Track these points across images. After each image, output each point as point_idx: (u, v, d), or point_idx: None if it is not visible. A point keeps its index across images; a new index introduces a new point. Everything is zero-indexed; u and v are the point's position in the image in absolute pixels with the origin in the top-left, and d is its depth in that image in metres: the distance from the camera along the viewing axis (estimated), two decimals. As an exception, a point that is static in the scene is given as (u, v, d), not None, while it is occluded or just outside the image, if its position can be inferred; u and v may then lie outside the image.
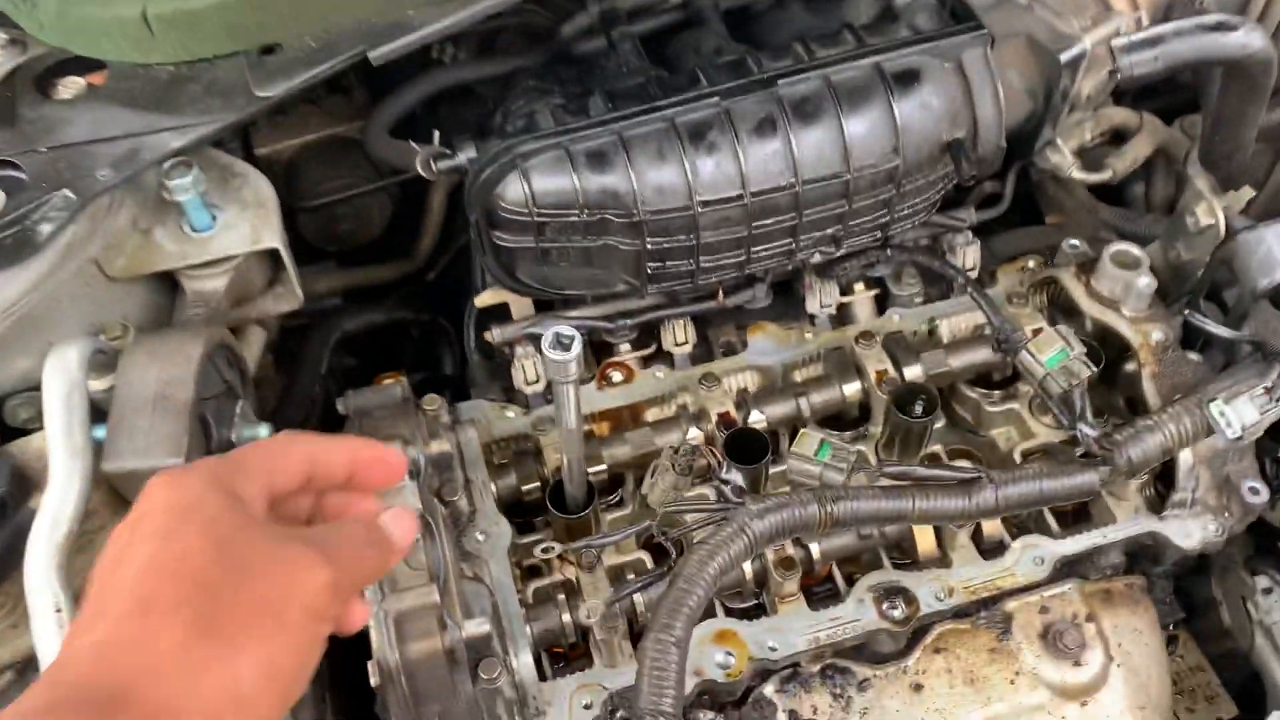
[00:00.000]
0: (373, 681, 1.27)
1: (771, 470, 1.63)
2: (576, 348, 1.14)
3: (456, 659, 1.31)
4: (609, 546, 1.61)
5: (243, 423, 1.42)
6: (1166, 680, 1.59)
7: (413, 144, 1.62)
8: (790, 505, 1.29)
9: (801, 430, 1.38)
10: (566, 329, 1.14)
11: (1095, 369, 1.40)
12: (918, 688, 1.53)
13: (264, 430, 1.44)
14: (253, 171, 1.59)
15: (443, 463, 1.49)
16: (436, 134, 1.60)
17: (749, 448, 1.53)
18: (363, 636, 1.30)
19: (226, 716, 0.76)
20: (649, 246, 1.52)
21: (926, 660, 1.54)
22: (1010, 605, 1.55)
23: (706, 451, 1.32)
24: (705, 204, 1.49)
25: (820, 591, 1.60)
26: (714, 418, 1.61)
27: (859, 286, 1.87)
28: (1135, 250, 1.66)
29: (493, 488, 1.56)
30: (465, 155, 1.53)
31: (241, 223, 1.52)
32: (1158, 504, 1.56)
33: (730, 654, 1.44)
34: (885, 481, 1.37)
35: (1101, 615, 1.58)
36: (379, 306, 2.06)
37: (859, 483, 1.47)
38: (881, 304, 1.90)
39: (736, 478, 1.30)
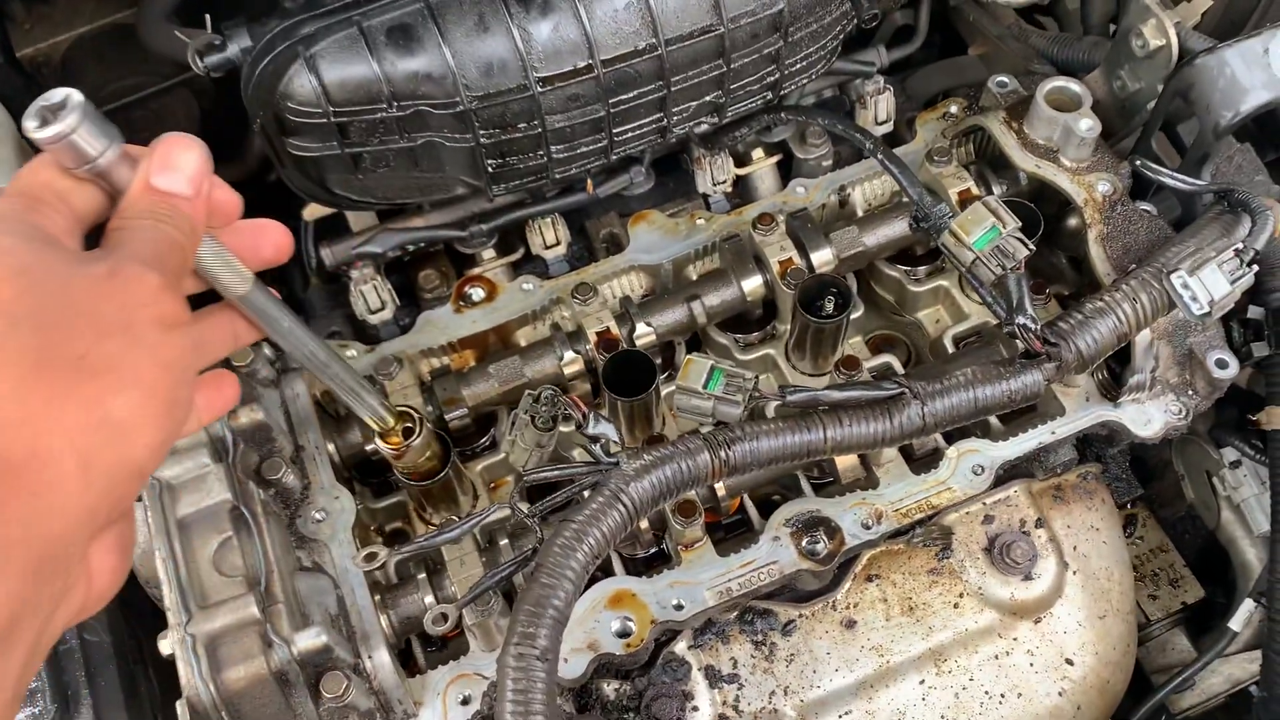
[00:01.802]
0: (183, 725, 1.04)
1: (666, 389, 1.38)
2: (74, 116, 0.74)
3: (289, 680, 1.08)
4: (481, 495, 1.38)
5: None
6: (1129, 579, 1.41)
7: (180, 33, 1.29)
8: (674, 458, 1.05)
9: (687, 357, 1.12)
10: (56, 93, 0.75)
11: (1032, 248, 1.15)
12: (850, 624, 1.33)
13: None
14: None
15: (260, 435, 1.22)
16: (208, 18, 1.26)
17: (635, 372, 1.28)
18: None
19: (105, 450, 0.69)
20: (483, 140, 1.22)
21: (857, 591, 1.34)
22: (949, 518, 1.34)
23: (566, 402, 1.06)
24: (545, 81, 1.19)
25: (730, 526, 1.38)
26: (592, 338, 1.34)
27: (757, 153, 1.60)
28: (1074, 86, 1.39)
29: (331, 450, 1.31)
30: (238, 45, 1.21)
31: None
32: (1111, 387, 1.34)
33: (629, 619, 1.23)
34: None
35: (1052, 517, 1.38)
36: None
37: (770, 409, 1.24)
38: (786, 171, 1.62)
39: (607, 431, 1.05)
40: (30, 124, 0.75)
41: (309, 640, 1.08)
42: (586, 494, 1.06)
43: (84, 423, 0.68)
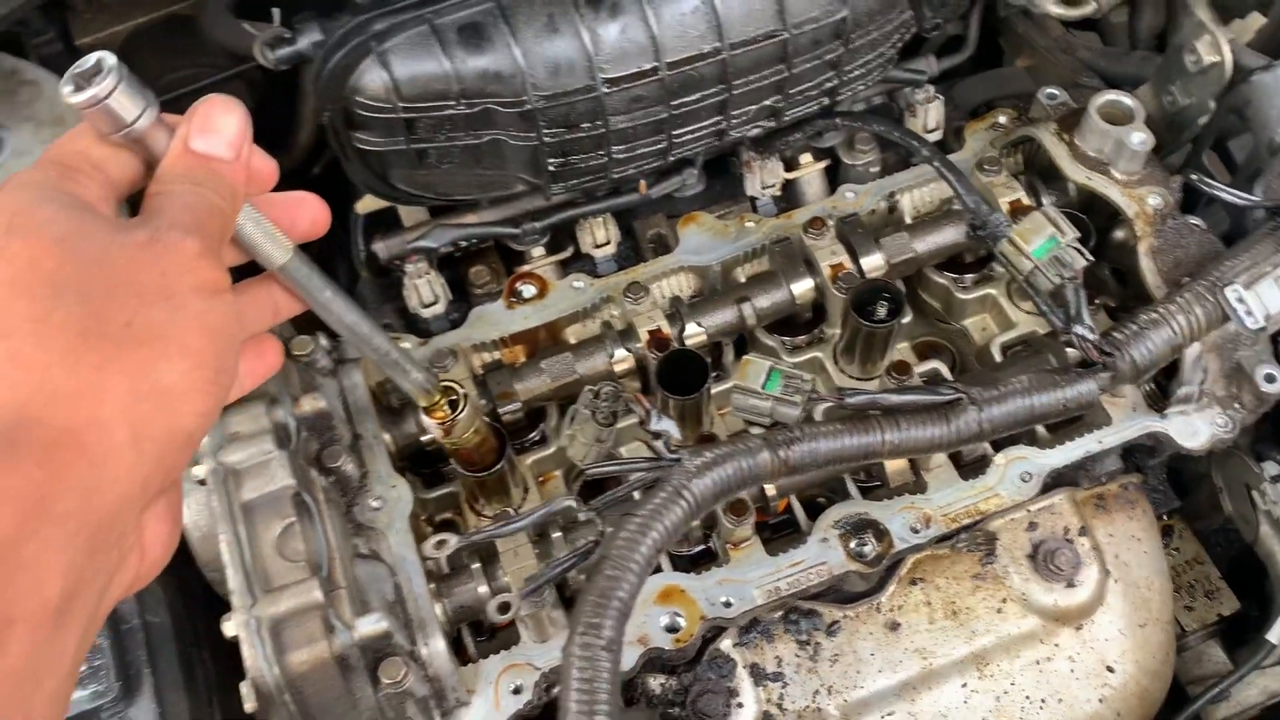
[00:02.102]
0: (248, 706, 1.06)
1: (716, 389, 1.40)
2: (110, 80, 0.73)
3: (350, 665, 1.09)
4: (531, 489, 1.40)
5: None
6: (1168, 589, 1.42)
7: (248, 26, 1.31)
8: (735, 456, 1.07)
9: (745, 357, 1.14)
10: (90, 58, 0.74)
11: (1090, 258, 1.16)
12: (894, 626, 1.35)
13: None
14: (48, 78, 1.28)
15: (321, 423, 1.24)
16: (276, 12, 1.28)
17: (686, 371, 1.29)
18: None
19: (155, 420, 0.68)
20: (546, 139, 1.24)
21: (902, 594, 1.36)
22: (994, 524, 1.35)
23: (632, 399, 1.08)
24: (612, 82, 1.21)
25: (777, 525, 1.40)
26: (644, 337, 1.36)
27: (805, 158, 1.61)
28: (1127, 100, 1.40)
29: (387, 440, 1.32)
30: (308, 39, 1.23)
31: (36, 147, 1.21)
32: (1158, 399, 1.35)
33: (679, 615, 1.24)
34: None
35: (1095, 526, 1.39)
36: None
37: (819, 411, 1.26)
38: (833, 177, 1.64)
39: (669, 428, 1.07)
40: (66, 89, 0.74)
41: (370, 626, 1.10)
42: (638, 490, 1.08)
43: (134, 392, 0.67)
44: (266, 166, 0.87)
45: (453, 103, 1.19)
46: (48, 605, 0.62)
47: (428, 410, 1.15)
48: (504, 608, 1.07)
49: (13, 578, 0.60)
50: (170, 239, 0.73)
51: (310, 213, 0.92)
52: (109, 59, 0.74)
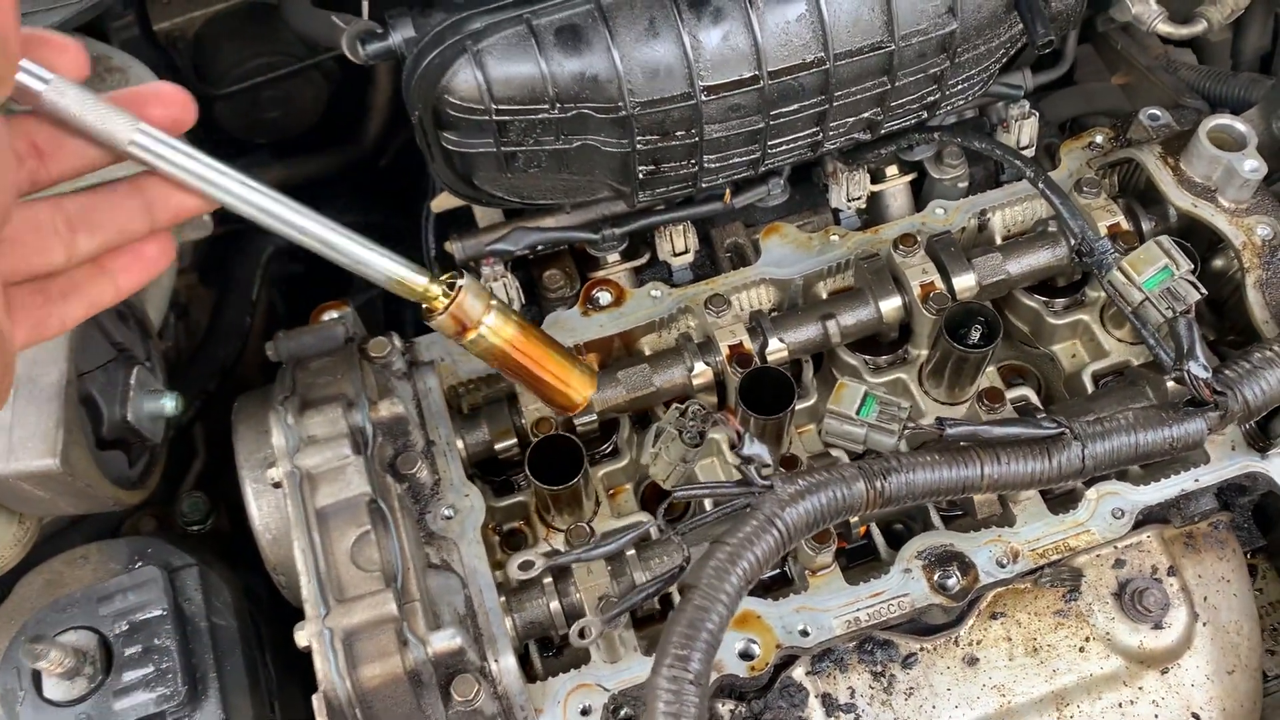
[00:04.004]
0: (320, 718, 1.03)
1: (799, 406, 1.36)
2: None
3: (423, 680, 1.07)
4: (602, 502, 1.37)
5: (141, 393, 1.13)
6: (1257, 634, 1.37)
7: (335, 18, 1.28)
8: (829, 484, 1.03)
9: (840, 381, 1.10)
10: None
11: (1204, 291, 1.11)
12: (972, 661, 1.30)
13: (170, 402, 1.15)
14: (134, 64, 1.25)
15: (397, 428, 1.21)
16: (366, 4, 1.25)
17: (767, 389, 1.25)
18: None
19: None
20: (640, 146, 1.20)
21: (981, 628, 1.31)
22: (1079, 560, 1.31)
23: (724, 420, 1.04)
24: (710, 90, 1.16)
25: (854, 552, 1.36)
26: (724, 351, 1.32)
27: (891, 170, 1.56)
28: (1238, 125, 1.34)
29: (460, 446, 1.29)
30: (401, 35, 1.19)
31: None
32: (1259, 438, 1.30)
33: (754, 642, 1.21)
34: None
35: (1184, 566, 1.34)
36: (317, 209, 1.73)
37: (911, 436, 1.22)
38: (916, 191, 1.59)
39: (761, 453, 1.03)
40: None
41: (445, 642, 1.07)
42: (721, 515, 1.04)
43: None
44: (172, 91, 0.77)
45: (546, 106, 1.16)
46: None
47: (427, 308, 0.96)
48: (584, 633, 1.04)
49: None
50: None
51: (166, 105, 0.76)
52: None
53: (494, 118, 1.16)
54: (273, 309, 1.85)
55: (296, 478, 1.13)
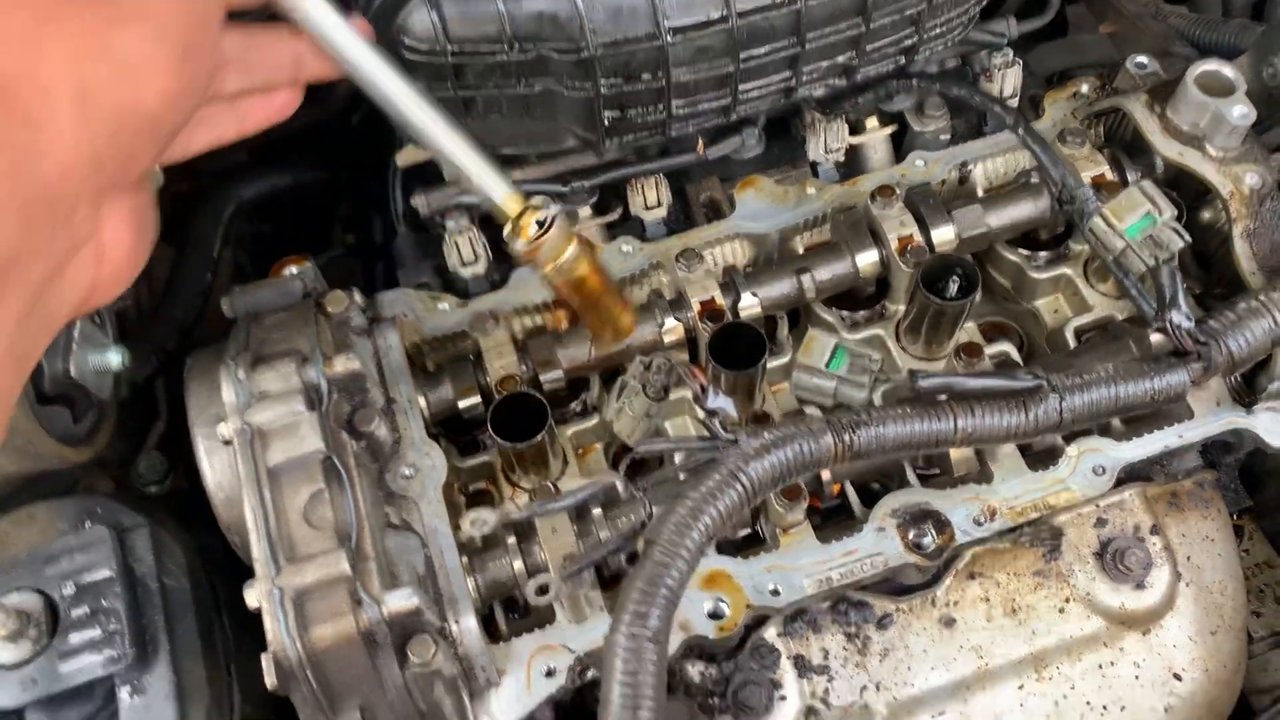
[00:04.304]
0: (268, 681, 1.00)
1: (770, 364, 1.32)
2: None
3: (377, 641, 1.03)
4: (570, 462, 1.33)
5: (86, 347, 1.09)
6: (1241, 594, 1.34)
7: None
8: (796, 438, 0.99)
9: (810, 333, 1.06)
10: None
11: (1188, 239, 1.07)
12: (949, 622, 1.27)
13: (115, 356, 1.11)
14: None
15: (354, 385, 1.17)
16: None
17: (739, 345, 1.21)
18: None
19: (108, 88, 0.60)
20: (604, 90, 1.16)
21: (959, 589, 1.28)
22: (1060, 518, 1.27)
23: (686, 373, 1.00)
24: (677, 30, 1.12)
25: (829, 511, 1.32)
26: (696, 307, 1.28)
27: (871, 122, 1.52)
28: (1228, 71, 1.30)
29: (422, 404, 1.26)
30: (352, -26, 1.14)
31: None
32: (1244, 392, 1.26)
33: (723, 601, 1.18)
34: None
35: (1168, 525, 1.31)
36: (282, 168, 1.69)
37: (879, 394, 1.18)
38: (898, 144, 1.55)
39: (726, 406, 0.99)
40: None
41: (400, 601, 1.03)
42: (686, 472, 1.01)
43: (81, 51, 0.60)
44: None
45: (504, 47, 1.11)
46: None
47: (514, 228, 0.98)
48: (542, 590, 1.01)
49: None
50: None
51: None
52: None
53: (450, 60, 1.12)
54: (240, 270, 1.80)
55: (247, 434, 1.09)
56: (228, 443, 1.11)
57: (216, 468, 1.15)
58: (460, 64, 1.12)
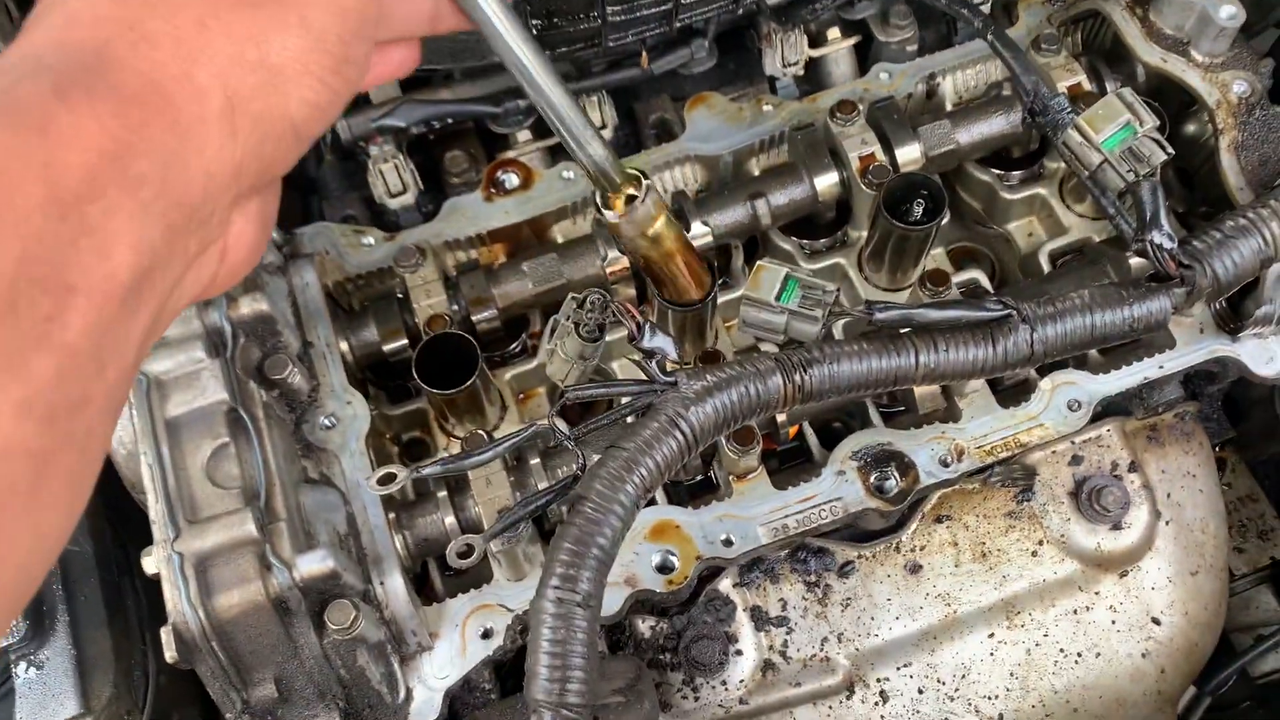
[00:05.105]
0: (168, 655, 0.91)
1: (723, 298, 1.22)
2: None
3: (290, 608, 0.95)
4: (510, 408, 1.24)
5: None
6: (1223, 532, 1.27)
7: None
8: (741, 380, 0.90)
9: (759, 263, 0.96)
10: None
11: (1171, 151, 0.97)
12: (915, 569, 1.20)
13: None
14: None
15: (263, 328, 1.06)
16: None
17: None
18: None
19: (257, 96, 0.60)
20: (529, -4, 1.04)
21: (925, 533, 1.21)
22: (1033, 456, 1.20)
23: (617, 308, 0.91)
24: (606, -74, 1.00)
25: (787, 454, 1.24)
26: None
27: (833, 33, 1.41)
28: (1216, -33, 1.19)
29: (343, 348, 1.16)
30: None
31: None
32: (1229, 318, 1.18)
33: (672, 553, 1.10)
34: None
35: (1147, 461, 1.24)
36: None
37: (840, 327, 1.09)
38: (863, 56, 1.44)
39: (665, 346, 0.89)
40: None
41: (314, 564, 0.95)
42: (629, 418, 0.92)
43: (237, 58, 0.59)
44: None
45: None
46: (115, 280, 0.53)
47: (605, 199, 0.94)
48: (466, 551, 0.92)
49: (75, 241, 0.51)
50: None
51: None
52: None
53: (355, -37, 0.99)
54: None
55: (144, 385, 0.99)
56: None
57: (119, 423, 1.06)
58: (366, -32, 1.00)
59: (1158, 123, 0.98)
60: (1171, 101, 1.27)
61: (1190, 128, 1.28)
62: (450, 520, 1.09)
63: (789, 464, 1.22)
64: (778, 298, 0.95)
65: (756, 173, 1.30)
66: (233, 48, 0.59)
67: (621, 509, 0.84)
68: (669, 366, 0.91)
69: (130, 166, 0.54)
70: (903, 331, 0.96)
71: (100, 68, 0.55)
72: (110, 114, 0.54)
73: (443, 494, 1.10)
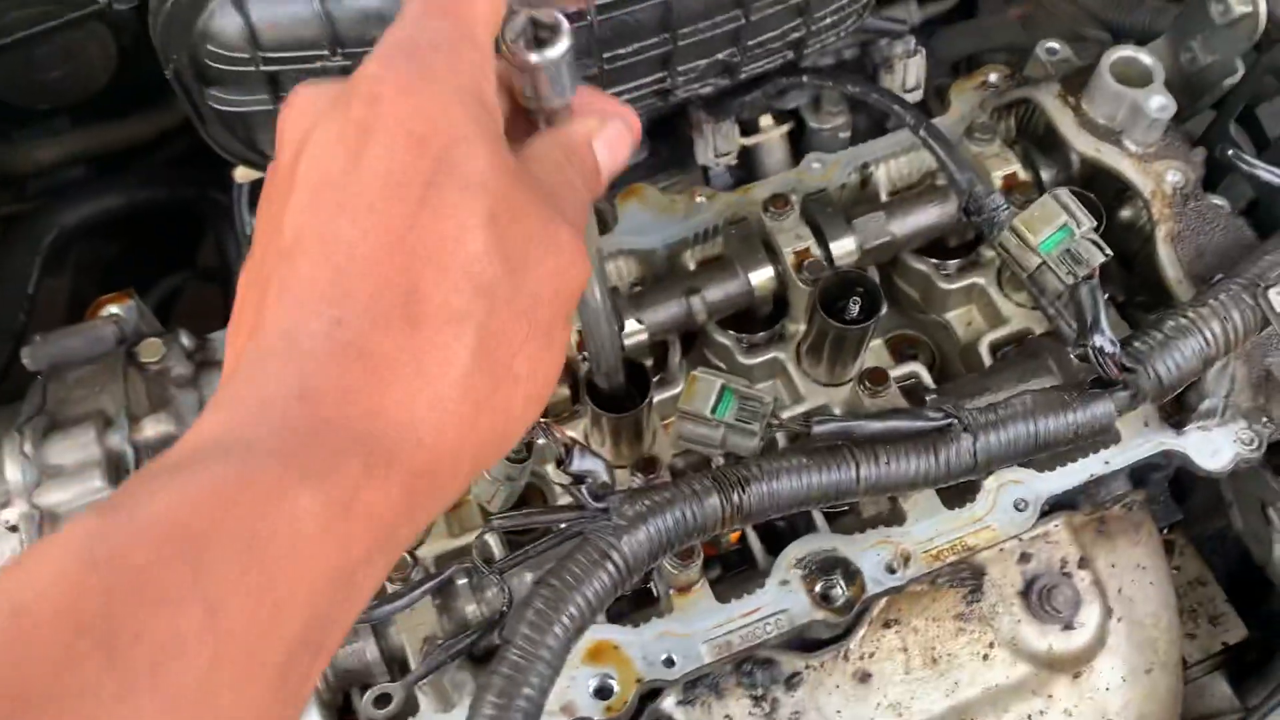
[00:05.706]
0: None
1: (659, 395, 1.18)
2: (566, 41, 0.64)
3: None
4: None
5: None
6: (1176, 625, 1.24)
7: (79, -47, 1.05)
8: (675, 502, 0.86)
9: (693, 374, 0.93)
10: (545, 15, 0.64)
11: (1109, 253, 0.96)
12: (864, 677, 1.15)
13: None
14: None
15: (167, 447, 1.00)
16: (112, -66, 1.03)
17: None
18: None
19: (492, 453, 0.63)
20: (449, 100, 1.00)
21: (874, 639, 1.16)
22: (981, 555, 1.16)
23: (545, 431, 0.86)
24: (527, 29, 0.96)
25: (729, 560, 1.19)
26: (574, 340, 1.13)
27: (765, 120, 1.38)
28: (1145, 58, 1.19)
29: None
30: (144, -32, 0.98)
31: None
32: (1173, 410, 1.16)
33: (610, 677, 1.04)
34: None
35: (1096, 555, 1.21)
36: (114, 186, 1.50)
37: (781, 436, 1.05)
38: (796, 142, 1.42)
39: (596, 468, 0.85)
40: (518, 35, 0.63)
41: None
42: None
43: (492, 430, 0.60)
44: None
45: (326, 53, 0.95)
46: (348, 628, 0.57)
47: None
48: (383, 699, 0.86)
49: (343, 604, 0.53)
50: (574, 243, 0.62)
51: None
52: (565, 24, 0.64)
53: (263, 69, 0.95)
54: (79, 302, 1.61)
55: (35, 520, 0.92)
56: (13, 529, 0.94)
57: (4, 559, 0.98)
58: (274, 72, 0.96)
59: (1095, 224, 0.96)
60: (1107, 188, 1.26)
61: (1126, 212, 1.28)
62: (372, 651, 1.02)
63: (732, 571, 1.18)
64: (713, 410, 0.91)
65: (692, 266, 1.26)
66: (493, 423, 0.60)
67: (549, 653, 0.78)
68: (599, 491, 0.86)
69: (397, 535, 0.56)
70: (843, 444, 0.92)
71: (405, 446, 0.55)
72: (401, 490, 0.55)
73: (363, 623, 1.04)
